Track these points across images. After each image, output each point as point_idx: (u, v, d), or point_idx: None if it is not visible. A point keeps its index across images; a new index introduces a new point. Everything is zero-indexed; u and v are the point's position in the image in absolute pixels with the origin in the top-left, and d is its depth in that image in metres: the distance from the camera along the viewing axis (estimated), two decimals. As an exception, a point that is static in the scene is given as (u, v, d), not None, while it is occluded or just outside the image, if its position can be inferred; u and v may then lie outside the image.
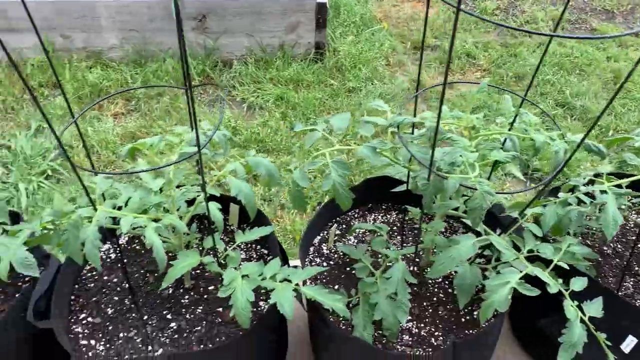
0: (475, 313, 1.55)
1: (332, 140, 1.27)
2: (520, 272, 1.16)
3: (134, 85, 2.95)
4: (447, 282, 1.63)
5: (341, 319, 1.46)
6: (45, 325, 1.40)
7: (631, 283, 1.61)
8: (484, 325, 1.47)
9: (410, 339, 1.49)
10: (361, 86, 3.08)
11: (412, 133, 1.34)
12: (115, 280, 1.56)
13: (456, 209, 1.37)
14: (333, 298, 1.31)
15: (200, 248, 1.61)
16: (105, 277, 1.57)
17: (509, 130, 1.35)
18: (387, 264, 1.60)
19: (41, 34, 0.99)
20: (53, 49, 3.00)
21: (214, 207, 1.30)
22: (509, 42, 3.74)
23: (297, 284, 1.30)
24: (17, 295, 1.43)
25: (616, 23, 4.10)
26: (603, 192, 1.19)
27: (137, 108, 2.88)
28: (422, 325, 1.52)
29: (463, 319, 1.53)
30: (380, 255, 1.66)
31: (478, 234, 1.32)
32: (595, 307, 1.20)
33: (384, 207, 1.83)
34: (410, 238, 1.73)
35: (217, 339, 1.43)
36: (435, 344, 1.48)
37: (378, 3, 3.96)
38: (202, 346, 1.41)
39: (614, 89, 3.36)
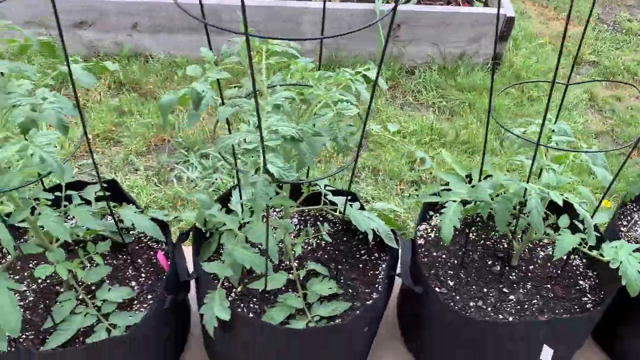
0: None
1: None
2: None
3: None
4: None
5: None
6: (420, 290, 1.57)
7: None
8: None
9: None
10: (540, 95, 3.23)
11: None
12: (443, 256, 1.74)
13: None
14: None
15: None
16: (435, 253, 1.74)
17: None
18: None
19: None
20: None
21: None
22: (663, 59, 3.86)
23: None
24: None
25: None
26: None
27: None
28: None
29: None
30: None
31: None
32: None
33: None
34: None
35: (557, 311, 1.58)
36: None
37: (531, 22, 4.12)
38: (545, 317, 1.57)
39: None
